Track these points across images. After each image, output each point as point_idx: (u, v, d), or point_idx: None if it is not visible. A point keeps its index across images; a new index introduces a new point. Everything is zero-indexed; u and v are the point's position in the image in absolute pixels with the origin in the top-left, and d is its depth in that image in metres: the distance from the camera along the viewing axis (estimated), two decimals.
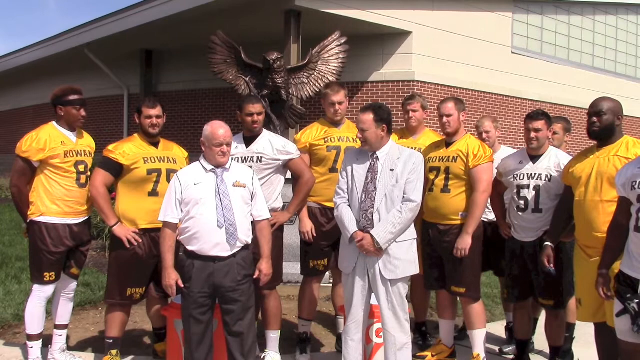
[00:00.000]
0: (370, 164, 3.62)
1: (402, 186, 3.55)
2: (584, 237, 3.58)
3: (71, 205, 4.01)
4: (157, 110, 3.98)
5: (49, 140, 3.94)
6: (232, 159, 3.64)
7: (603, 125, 3.53)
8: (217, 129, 3.46)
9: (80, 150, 4.09)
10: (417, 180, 3.60)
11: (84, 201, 4.09)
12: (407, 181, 3.56)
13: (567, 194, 3.78)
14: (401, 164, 3.59)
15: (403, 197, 3.55)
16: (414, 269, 3.65)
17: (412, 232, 3.65)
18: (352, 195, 3.63)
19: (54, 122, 4.09)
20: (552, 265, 3.77)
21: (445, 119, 4.10)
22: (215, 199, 3.41)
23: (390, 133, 3.70)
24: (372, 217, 3.52)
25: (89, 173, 4.11)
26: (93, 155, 4.23)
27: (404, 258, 3.56)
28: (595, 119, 3.54)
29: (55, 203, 3.96)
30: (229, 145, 3.48)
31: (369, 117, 3.58)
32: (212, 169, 3.48)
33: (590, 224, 3.50)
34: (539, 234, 3.97)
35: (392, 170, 3.57)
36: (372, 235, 3.50)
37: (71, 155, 4.01)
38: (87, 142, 4.22)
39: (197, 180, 3.44)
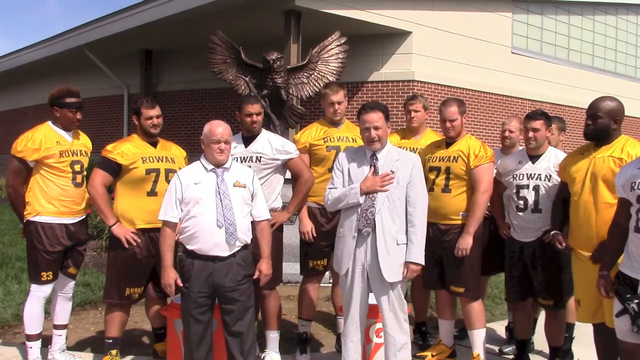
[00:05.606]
0: (370, 165, 3.62)
1: (404, 186, 3.56)
2: (577, 235, 3.57)
3: (67, 204, 4.01)
4: (156, 110, 4.00)
5: (44, 140, 3.93)
6: (232, 159, 3.64)
7: (597, 129, 3.49)
8: (216, 126, 3.46)
9: (76, 150, 4.09)
10: (421, 181, 3.63)
11: (80, 200, 4.09)
12: (411, 185, 3.56)
13: (562, 188, 3.80)
14: (401, 165, 3.60)
15: (408, 200, 3.55)
16: None
17: None
18: None
19: (49, 122, 4.09)
20: (564, 244, 3.72)
21: (449, 124, 4.07)
22: (216, 198, 3.41)
23: None
24: (374, 217, 3.51)
25: (85, 173, 4.11)
26: (89, 155, 4.23)
27: (404, 260, 3.56)
28: (589, 121, 3.51)
29: (51, 202, 3.96)
30: (227, 143, 3.47)
31: (381, 115, 3.59)
32: (213, 168, 3.48)
33: (587, 221, 3.49)
34: (539, 234, 3.96)
35: (392, 171, 3.58)
36: (413, 263, 3.52)
37: (67, 155, 4.01)
38: (83, 142, 4.21)
39: (198, 180, 3.44)
